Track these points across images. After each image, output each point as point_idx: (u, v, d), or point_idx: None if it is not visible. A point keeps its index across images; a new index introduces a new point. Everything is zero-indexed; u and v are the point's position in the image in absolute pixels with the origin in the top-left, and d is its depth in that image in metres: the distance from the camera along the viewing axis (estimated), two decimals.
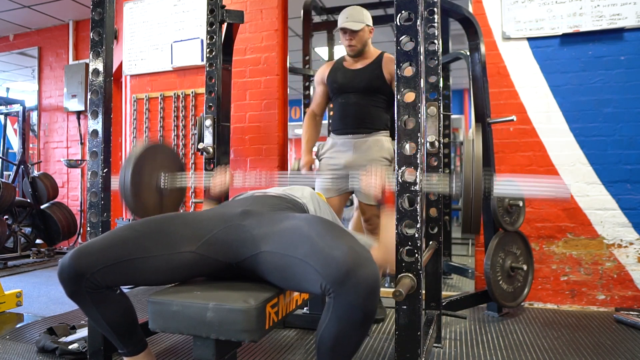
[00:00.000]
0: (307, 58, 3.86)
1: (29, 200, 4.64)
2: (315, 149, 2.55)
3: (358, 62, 2.40)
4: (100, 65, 1.65)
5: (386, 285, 2.94)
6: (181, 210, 2.72)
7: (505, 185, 1.59)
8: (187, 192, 2.14)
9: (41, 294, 3.12)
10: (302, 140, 2.53)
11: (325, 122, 2.90)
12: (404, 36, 1.23)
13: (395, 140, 1.24)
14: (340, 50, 2.64)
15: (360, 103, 2.32)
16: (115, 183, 1.69)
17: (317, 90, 2.57)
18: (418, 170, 1.21)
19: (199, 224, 1.37)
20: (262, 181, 1.91)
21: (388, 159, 2.32)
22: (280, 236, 1.25)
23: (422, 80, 1.31)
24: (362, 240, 1.50)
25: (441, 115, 2.01)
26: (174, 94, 3.59)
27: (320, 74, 2.52)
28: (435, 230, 2.02)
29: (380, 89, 2.31)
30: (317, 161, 2.54)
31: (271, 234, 1.28)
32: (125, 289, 2.28)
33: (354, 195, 2.57)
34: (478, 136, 1.52)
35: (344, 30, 2.33)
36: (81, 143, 5.17)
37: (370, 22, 2.37)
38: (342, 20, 2.34)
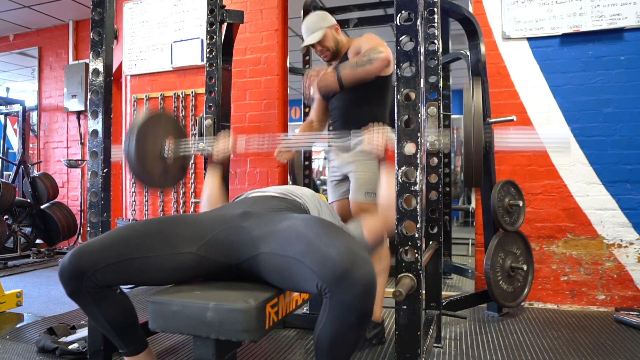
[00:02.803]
0: (307, 58, 3.85)
1: (29, 200, 4.64)
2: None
3: (334, 63, 2.28)
4: (100, 65, 1.65)
5: None
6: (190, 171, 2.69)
7: (505, 137, 1.59)
8: (190, 160, 2.16)
9: (41, 294, 3.13)
10: None
11: None
12: (404, 36, 1.23)
13: (396, 138, 1.24)
14: None
15: (342, 105, 2.22)
16: (119, 152, 1.73)
17: (314, 98, 2.50)
18: (418, 170, 1.21)
19: (199, 225, 1.37)
20: (265, 145, 1.93)
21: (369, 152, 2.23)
22: (279, 237, 1.25)
23: (422, 80, 1.31)
24: (356, 224, 1.53)
25: (441, 115, 2.01)
26: (174, 94, 3.59)
27: None
28: (435, 230, 2.02)
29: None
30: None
31: (270, 235, 1.28)
32: (125, 289, 2.28)
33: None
34: (477, 87, 1.50)
35: (311, 46, 2.23)
36: (81, 143, 5.17)
37: (330, 22, 2.23)
38: (303, 34, 2.23)
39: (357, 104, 2.14)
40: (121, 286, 1.37)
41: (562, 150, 1.55)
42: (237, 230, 1.34)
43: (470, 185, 1.54)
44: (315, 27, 2.20)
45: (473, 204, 4.44)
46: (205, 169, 2.33)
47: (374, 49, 1.93)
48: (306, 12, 3.85)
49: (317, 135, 2.34)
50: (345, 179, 2.23)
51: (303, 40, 2.25)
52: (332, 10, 4.43)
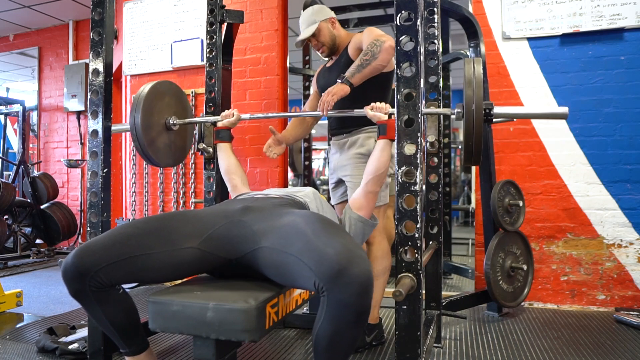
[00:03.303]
0: (307, 58, 3.87)
1: (29, 200, 4.64)
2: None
3: (334, 58, 2.23)
4: (100, 65, 1.65)
5: None
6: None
7: (504, 109, 1.63)
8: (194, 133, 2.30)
9: (41, 294, 3.13)
10: None
11: None
12: (404, 36, 1.24)
13: (396, 141, 1.24)
14: None
15: (339, 101, 1.99)
16: (123, 127, 1.76)
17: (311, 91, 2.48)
18: (418, 170, 1.21)
19: (200, 221, 1.38)
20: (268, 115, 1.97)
21: (363, 154, 2.06)
22: (279, 232, 1.27)
23: (422, 80, 1.31)
24: (347, 211, 1.61)
25: (441, 115, 2.01)
26: None
27: (315, 76, 2.39)
28: (435, 230, 2.02)
29: None
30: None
31: (270, 230, 1.29)
32: (125, 288, 2.28)
33: None
34: (478, 60, 1.51)
35: (307, 40, 2.16)
36: (81, 143, 5.18)
37: (326, 15, 2.15)
38: (300, 28, 2.18)
39: (355, 101, 1.99)
40: (124, 284, 1.37)
41: (560, 118, 1.58)
42: (237, 225, 1.35)
43: (470, 163, 1.52)
44: (310, 20, 2.14)
45: (473, 204, 4.44)
46: (205, 169, 2.34)
47: (374, 42, 1.88)
48: None
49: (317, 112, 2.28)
50: (340, 182, 2.20)
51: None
52: (333, 10, 4.44)
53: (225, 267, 1.37)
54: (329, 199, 2.35)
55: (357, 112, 1.78)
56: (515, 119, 2.66)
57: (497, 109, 1.54)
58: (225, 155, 1.97)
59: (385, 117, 1.65)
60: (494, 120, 2.52)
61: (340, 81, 1.89)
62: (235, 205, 1.46)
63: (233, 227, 1.35)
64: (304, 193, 1.64)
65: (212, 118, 2.14)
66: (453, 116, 1.58)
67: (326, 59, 2.28)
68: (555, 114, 1.66)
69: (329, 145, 2.47)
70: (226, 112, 2.00)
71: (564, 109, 1.53)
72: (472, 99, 1.44)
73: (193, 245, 1.32)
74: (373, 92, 2.02)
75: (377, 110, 1.67)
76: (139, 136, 1.83)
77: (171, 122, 1.99)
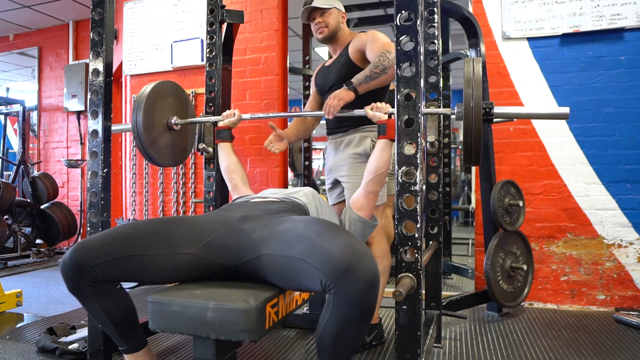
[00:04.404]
0: (307, 58, 3.86)
1: (29, 200, 4.64)
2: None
3: (333, 56, 2.19)
4: (100, 65, 1.65)
5: None
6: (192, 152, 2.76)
7: (504, 109, 1.64)
8: (196, 136, 2.33)
9: (41, 294, 3.13)
10: None
11: None
12: (404, 36, 1.24)
13: (395, 141, 1.24)
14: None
15: None
16: (125, 127, 1.78)
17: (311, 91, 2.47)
18: (418, 170, 1.21)
19: (199, 227, 1.39)
20: (269, 117, 2.08)
21: (359, 154, 2.05)
22: (280, 238, 1.27)
23: (422, 80, 1.31)
24: (347, 211, 1.64)
25: (441, 115, 2.01)
26: None
27: (313, 76, 2.38)
28: (435, 230, 2.02)
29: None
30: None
31: (270, 237, 1.29)
32: (125, 288, 2.28)
33: None
34: (478, 60, 1.51)
35: (310, 12, 2.08)
36: (81, 143, 5.18)
37: (340, 6, 2.13)
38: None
39: (353, 101, 1.95)
40: (121, 282, 1.38)
41: (561, 118, 1.58)
42: (236, 233, 1.35)
43: (470, 163, 1.52)
44: (327, 1, 2.09)
45: (473, 204, 4.44)
46: (205, 169, 2.34)
47: (386, 54, 1.86)
48: None
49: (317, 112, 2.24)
50: (337, 182, 2.18)
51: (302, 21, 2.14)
52: None
53: (223, 274, 1.37)
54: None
55: (357, 112, 1.80)
56: (515, 119, 2.66)
57: (497, 109, 1.55)
58: (226, 155, 1.98)
59: (385, 116, 1.66)
60: (494, 120, 2.54)
61: (347, 87, 1.88)
62: (234, 212, 1.46)
63: (232, 236, 1.35)
64: (303, 193, 1.64)
65: (213, 118, 2.16)
66: (453, 116, 1.58)
67: (324, 50, 2.27)
68: (556, 114, 1.66)
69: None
70: (227, 112, 2.02)
71: (565, 109, 1.53)
72: (471, 98, 1.44)
73: (191, 252, 1.33)
74: (371, 94, 1.98)
75: (377, 110, 1.69)
76: (140, 135, 1.86)
77: (173, 121, 2.01)
